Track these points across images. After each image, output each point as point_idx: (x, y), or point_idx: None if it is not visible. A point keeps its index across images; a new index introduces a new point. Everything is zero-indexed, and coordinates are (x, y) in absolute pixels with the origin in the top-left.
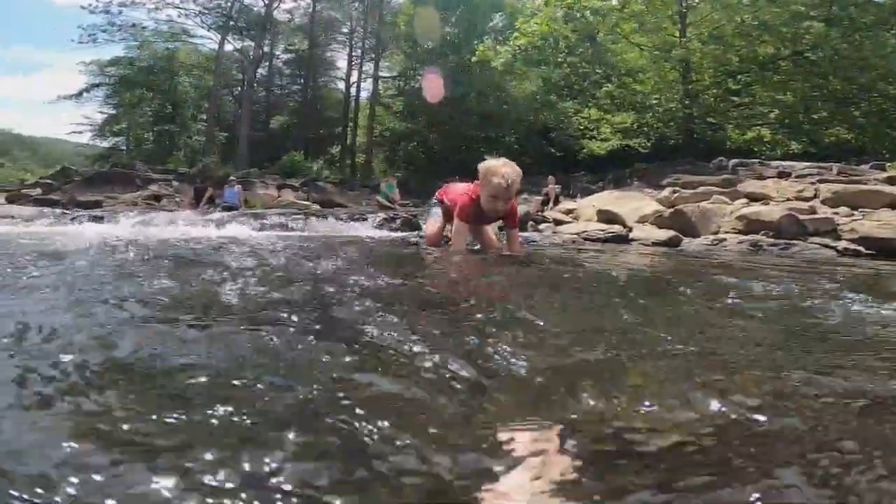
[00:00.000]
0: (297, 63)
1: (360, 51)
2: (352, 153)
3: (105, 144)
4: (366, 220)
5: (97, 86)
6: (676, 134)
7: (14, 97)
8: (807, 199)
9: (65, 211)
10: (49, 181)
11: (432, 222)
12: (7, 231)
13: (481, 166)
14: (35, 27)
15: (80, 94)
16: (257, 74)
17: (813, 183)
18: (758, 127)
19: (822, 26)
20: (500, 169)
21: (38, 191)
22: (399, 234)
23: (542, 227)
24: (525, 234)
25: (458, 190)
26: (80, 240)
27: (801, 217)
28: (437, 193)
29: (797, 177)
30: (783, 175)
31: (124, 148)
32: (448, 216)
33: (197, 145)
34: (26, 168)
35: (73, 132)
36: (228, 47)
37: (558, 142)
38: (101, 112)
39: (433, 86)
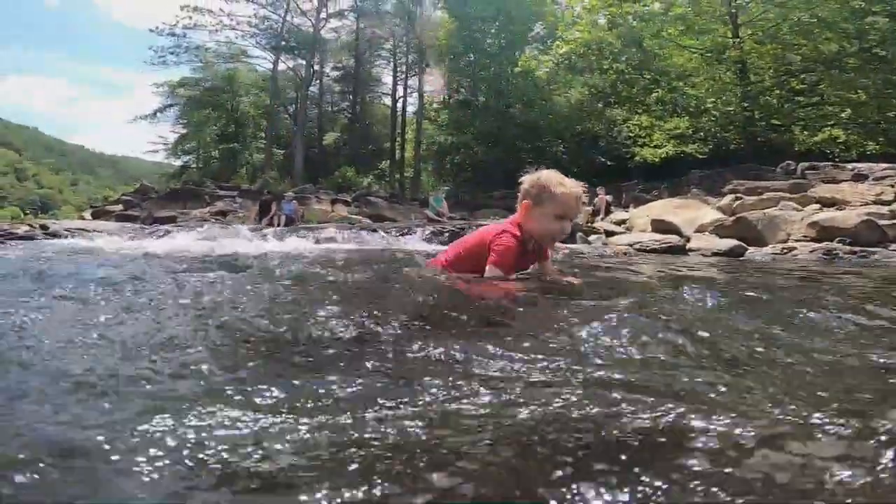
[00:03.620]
0: (345, 80)
1: (404, 66)
2: (400, 167)
3: (177, 162)
4: (414, 233)
5: (169, 106)
6: (737, 138)
7: (99, 118)
8: (887, 203)
9: (143, 226)
10: (129, 198)
11: None
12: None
13: (530, 182)
14: (119, 51)
15: (154, 114)
16: (309, 92)
17: (893, 185)
18: (829, 128)
19: (887, 21)
20: (561, 178)
21: (120, 207)
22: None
23: (591, 238)
24: (573, 246)
25: (469, 241)
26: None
27: (882, 223)
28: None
29: (875, 179)
30: (859, 178)
31: (194, 166)
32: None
33: (257, 162)
34: (109, 185)
35: (150, 151)
36: (282, 67)
37: (608, 150)
38: (173, 132)
39: None
